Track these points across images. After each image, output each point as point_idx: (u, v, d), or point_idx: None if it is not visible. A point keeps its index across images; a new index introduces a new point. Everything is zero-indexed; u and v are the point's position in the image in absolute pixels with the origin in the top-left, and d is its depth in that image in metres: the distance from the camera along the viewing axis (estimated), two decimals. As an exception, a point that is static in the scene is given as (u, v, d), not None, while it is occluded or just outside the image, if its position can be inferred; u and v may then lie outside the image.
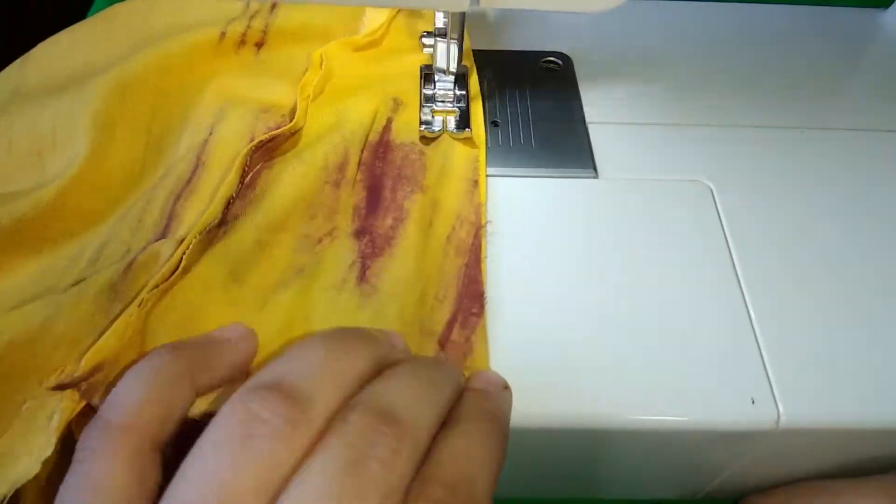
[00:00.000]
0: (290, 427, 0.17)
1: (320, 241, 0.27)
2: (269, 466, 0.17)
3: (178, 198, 0.28)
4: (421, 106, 0.32)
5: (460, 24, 0.29)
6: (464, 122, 0.32)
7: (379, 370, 0.21)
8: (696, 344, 0.26)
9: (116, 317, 0.23)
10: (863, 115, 0.36)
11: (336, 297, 0.26)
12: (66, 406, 0.21)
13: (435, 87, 0.33)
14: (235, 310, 0.25)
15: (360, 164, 0.30)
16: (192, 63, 0.32)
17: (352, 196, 0.29)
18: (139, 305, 0.23)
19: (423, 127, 0.31)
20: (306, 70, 0.33)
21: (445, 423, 0.20)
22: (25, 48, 0.34)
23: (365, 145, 0.30)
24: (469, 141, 0.31)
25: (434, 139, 0.32)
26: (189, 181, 0.29)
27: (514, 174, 0.31)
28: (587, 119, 0.34)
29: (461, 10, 0.25)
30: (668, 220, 0.30)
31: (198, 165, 0.29)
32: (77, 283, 0.25)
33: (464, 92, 0.33)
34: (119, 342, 0.22)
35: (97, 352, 0.21)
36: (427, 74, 0.33)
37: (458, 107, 0.32)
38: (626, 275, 0.28)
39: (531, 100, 0.35)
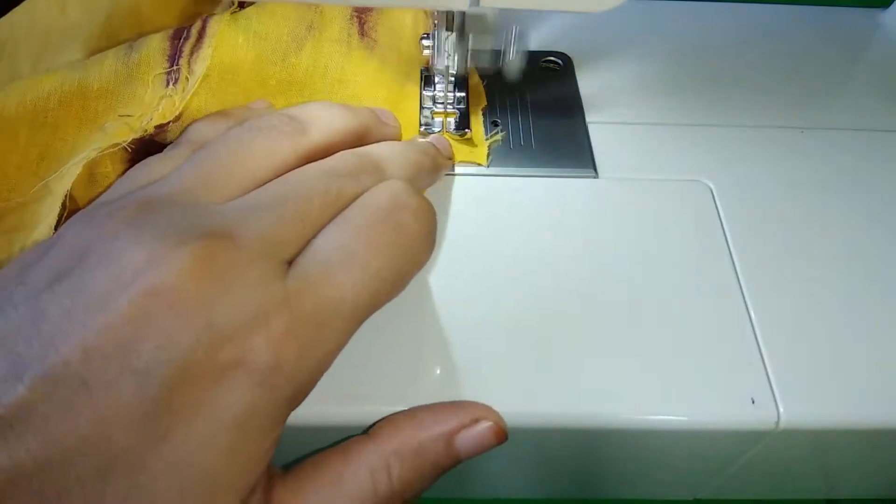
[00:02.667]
0: (291, 132, 0.23)
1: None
2: (275, 146, 0.22)
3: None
4: (421, 108, 0.32)
5: (461, 26, 0.29)
6: (463, 123, 0.32)
7: (366, 138, 0.27)
8: (696, 344, 0.26)
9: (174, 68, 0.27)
10: (863, 115, 0.36)
11: (347, 50, 0.30)
12: (118, 132, 0.24)
13: (434, 89, 0.33)
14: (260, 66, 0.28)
15: None
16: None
17: None
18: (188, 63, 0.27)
19: (423, 128, 0.31)
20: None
21: None
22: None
23: None
24: (469, 141, 0.31)
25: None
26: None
27: (514, 174, 0.31)
28: (587, 119, 0.34)
29: (461, 9, 0.25)
30: (668, 220, 0.30)
31: None
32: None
33: (463, 94, 0.33)
34: (188, 97, 0.26)
35: (180, 103, 0.25)
36: (427, 76, 0.33)
37: (457, 108, 0.32)
38: (626, 274, 0.28)
39: (531, 100, 0.35)
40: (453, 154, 0.31)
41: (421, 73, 0.34)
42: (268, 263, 0.19)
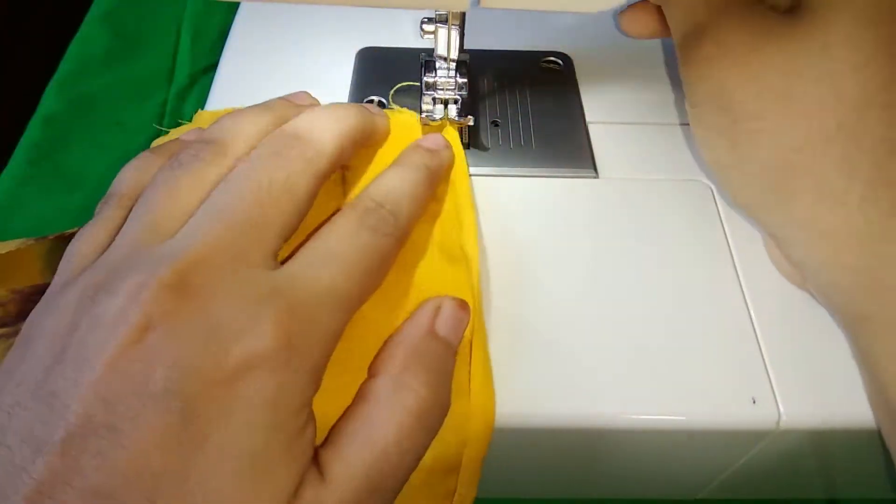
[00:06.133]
0: (213, 157, 0.23)
1: None
2: (201, 177, 0.22)
3: None
4: (421, 94, 0.32)
5: (461, 16, 0.29)
6: (465, 109, 0.32)
7: None
8: (696, 344, 0.26)
9: None
10: (863, 115, 0.36)
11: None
12: None
13: (435, 75, 0.32)
14: None
15: None
16: None
17: None
18: None
19: (424, 115, 0.31)
20: None
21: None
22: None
23: None
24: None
25: (435, 128, 0.31)
26: None
27: (514, 174, 0.31)
28: (587, 119, 0.34)
29: (461, 9, 0.25)
30: (668, 220, 0.30)
31: None
32: None
33: (465, 80, 0.32)
34: None
35: None
36: (427, 62, 0.33)
37: (459, 94, 0.32)
38: (626, 274, 0.28)
39: (531, 100, 0.35)
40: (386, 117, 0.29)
41: (421, 59, 0.34)
42: (243, 264, 0.19)
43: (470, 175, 0.31)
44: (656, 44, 0.39)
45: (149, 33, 0.42)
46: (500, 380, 0.24)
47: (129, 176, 0.24)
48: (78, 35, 0.41)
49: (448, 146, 0.29)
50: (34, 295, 0.28)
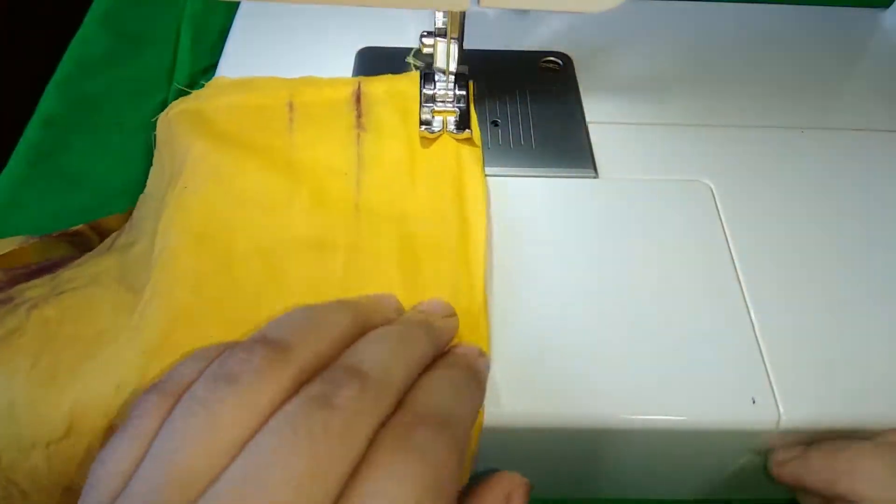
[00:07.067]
0: (269, 364, 0.19)
1: None
2: (249, 401, 0.18)
3: None
4: (421, 106, 0.32)
5: (460, 24, 0.29)
6: (464, 122, 0.32)
7: (362, 332, 0.22)
8: (696, 344, 0.26)
9: None
10: (863, 115, 0.36)
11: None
12: None
13: (435, 87, 0.33)
14: None
15: None
16: None
17: None
18: None
19: (424, 127, 0.31)
20: None
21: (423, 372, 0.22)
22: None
23: None
24: (469, 141, 0.31)
25: (434, 140, 0.31)
26: None
27: (514, 174, 0.31)
28: (587, 119, 0.34)
29: (461, 9, 0.25)
30: (668, 220, 0.30)
31: None
32: None
33: (464, 92, 0.33)
34: None
35: None
36: (427, 74, 0.33)
37: (457, 107, 0.32)
38: (627, 274, 0.28)
39: (531, 100, 0.35)
40: (454, 313, 0.26)
41: (420, 72, 0.34)
42: None
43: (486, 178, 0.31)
44: (656, 44, 0.39)
45: (149, 33, 0.42)
46: (500, 380, 0.25)
47: (183, 372, 0.20)
48: (78, 35, 0.41)
49: (482, 353, 0.25)
50: (23, 268, 0.28)
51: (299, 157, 0.31)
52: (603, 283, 0.28)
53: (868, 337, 0.27)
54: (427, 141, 0.31)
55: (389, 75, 0.34)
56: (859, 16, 0.42)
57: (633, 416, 0.24)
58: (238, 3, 0.40)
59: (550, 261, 0.28)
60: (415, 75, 0.34)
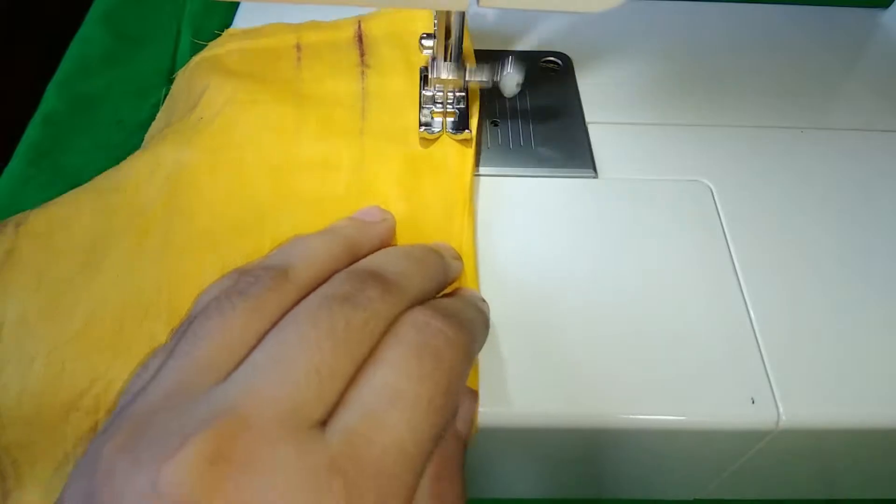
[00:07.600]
0: (274, 280, 0.20)
1: None
2: (260, 306, 0.19)
3: None
4: (420, 107, 0.32)
5: (459, 26, 0.29)
6: (462, 123, 0.32)
7: (355, 259, 0.23)
8: (696, 344, 0.26)
9: None
10: (863, 115, 0.36)
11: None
12: None
13: (434, 89, 0.33)
14: None
15: None
16: None
17: None
18: None
19: (423, 129, 0.31)
20: None
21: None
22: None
23: None
24: (467, 142, 0.31)
25: (433, 141, 0.32)
26: None
27: (514, 174, 0.31)
28: (587, 119, 0.34)
29: (461, 9, 0.25)
30: (668, 220, 0.30)
31: None
32: None
33: (463, 93, 0.33)
34: None
35: None
36: (426, 76, 0.33)
37: (457, 108, 0.32)
38: (626, 274, 0.28)
39: (531, 100, 0.35)
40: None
41: (420, 73, 0.34)
42: (294, 434, 0.16)
43: (474, 176, 0.31)
44: (656, 44, 0.39)
45: (149, 33, 0.42)
46: (500, 380, 0.25)
47: (202, 299, 0.22)
48: (78, 35, 0.41)
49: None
50: None
51: (308, 91, 0.34)
52: (602, 282, 0.28)
53: (868, 337, 0.27)
54: (426, 142, 0.31)
55: (386, 10, 0.37)
56: (859, 16, 0.42)
57: (633, 416, 0.24)
58: (238, 3, 0.40)
59: (549, 260, 0.28)
60: (413, 11, 0.37)
